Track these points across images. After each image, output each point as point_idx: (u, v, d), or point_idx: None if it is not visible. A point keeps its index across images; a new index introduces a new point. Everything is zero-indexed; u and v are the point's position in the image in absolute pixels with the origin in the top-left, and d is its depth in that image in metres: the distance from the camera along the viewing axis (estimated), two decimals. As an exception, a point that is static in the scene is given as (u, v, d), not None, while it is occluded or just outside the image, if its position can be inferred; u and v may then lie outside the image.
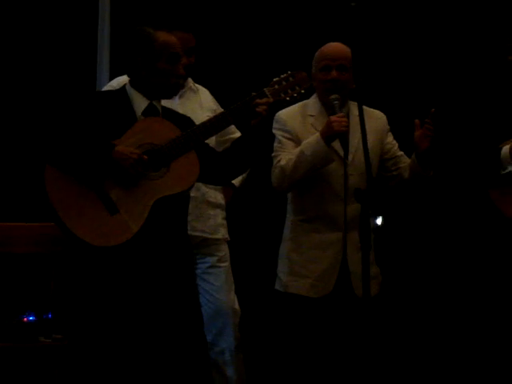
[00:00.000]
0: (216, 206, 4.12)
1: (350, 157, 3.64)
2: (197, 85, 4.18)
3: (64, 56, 4.82)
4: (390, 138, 3.81)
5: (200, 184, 3.96)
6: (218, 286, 4.08)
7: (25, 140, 4.46)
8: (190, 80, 4.15)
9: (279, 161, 3.62)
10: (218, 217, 4.13)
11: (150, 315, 3.26)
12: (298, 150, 3.58)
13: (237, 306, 4.10)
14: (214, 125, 3.36)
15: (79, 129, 3.24)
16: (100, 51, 4.79)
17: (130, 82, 3.40)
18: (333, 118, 3.52)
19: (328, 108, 3.64)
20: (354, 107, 3.69)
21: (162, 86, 3.35)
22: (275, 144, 3.71)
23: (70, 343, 3.72)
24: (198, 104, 4.08)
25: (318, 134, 3.55)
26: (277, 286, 3.73)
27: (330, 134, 3.51)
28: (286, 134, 3.67)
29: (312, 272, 3.63)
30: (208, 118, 3.95)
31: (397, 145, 3.81)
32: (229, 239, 4.17)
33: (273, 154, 3.70)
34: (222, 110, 3.77)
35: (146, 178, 3.24)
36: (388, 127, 3.82)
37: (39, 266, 3.98)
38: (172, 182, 3.25)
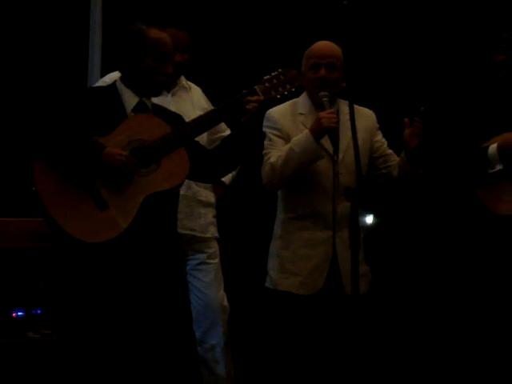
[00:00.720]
0: (207, 204, 4.13)
1: (341, 155, 3.65)
2: (189, 83, 4.19)
3: (55, 52, 4.81)
4: (380, 136, 3.82)
5: (191, 182, 3.96)
6: (207, 283, 4.08)
7: (15, 136, 4.45)
8: (182, 78, 4.15)
9: (269, 158, 3.63)
10: (209, 215, 4.13)
11: (139, 311, 3.26)
12: (287, 146, 3.59)
13: (226, 302, 4.11)
14: (205, 122, 3.37)
15: (69, 125, 3.23)
16: (91, 47, 4.78)
17: (121, 78, 3.40)
18: (322, 114, 3.53)
19: (317, 106, 3.65)
20: (343, 105, 3.70)
21: (149, 82, 3.34)
22: (265, 142, 3.71)
23: (59, 339, 3.72)
24: (190, 102, 4.09)
25: (307, 130, 3.55)
26: (267, 284, 3.74)
27: (319, 131, 3.52)
28: (277, 132, 3.68)
29: (302, 269, 3.63)
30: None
31: (386, 143, 3.82)
32: (218, 237, 4.18)
33: (263, 152, 3.70)
34: (264, 130, 3.78)
35: (136, 174, 3.24)
36: (377, 125, 3.83)
37: (28, 261, 3.96)
38: (162, 179, 3.26)
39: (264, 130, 3.73)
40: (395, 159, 3.75)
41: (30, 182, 3.20)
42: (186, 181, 3.82)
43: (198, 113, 3.96)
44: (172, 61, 3.36)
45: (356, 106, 3.56)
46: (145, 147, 3.26)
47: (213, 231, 4.14)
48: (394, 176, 3.73)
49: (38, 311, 3.82)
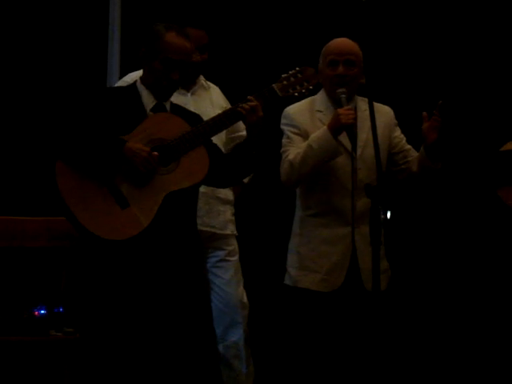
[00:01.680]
0: (226, 202, 4.14)
1: (359, 151, 3.65)
2: (208, 82, 4.20)
3: (75, 52, 4.83)
4: (398, 132, 3.81)
5: None
6: (226, 280, 4.10)
7: (36, 135, 4.48)
8: (201, 77, 4.16)
9: (287, 155, 3.63)
10: (228, 213, 4.15)
11: (160, 309, 3.27)
12: (305, 144, 3.60)
13: (245, 299, 4.13)
14: (223, 120, 3.38)
15: (90, 124, 3.26)
16: (110, 48, 4.80)
17: (141, 78, 3.42)
18: (340, 110, 3.53)
19: (335, 103, 3.65)
20: (361, 102, 3.71)
21: (154, 84, 3.36)
22: (283, 140, 3.72)
23: (81, 337, 3.74)
24: (209, 101, 4.10)
25: (325, 127, 3.56)
26: (286, 281, 3.74)
27: (337, 127, 3.53)
28: (294, 130, 3.69)
29: (322, 267, 3.63)
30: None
31: (404, 139, 3.81)
32: (237, 234, 4.19)
33: (281, 150, 3.71)
34: (282, 127, 3.78)
35: (157, 172, 3.26)
36: (395, 121, 3.83)
37: (50, 259, 3.99)
38: (182, 177, 3.27)
39: (282, 127, 3.74)
40: (414, 154, 3.74)
41: (52, 181, 3.23)
42: None
43: (217, 112, 3.96)
44: (182, 68, 3.33)
45: (374, 103, 3.57)
46: (165, 146, 3.28)
47: (232, 228, 4.16)
48: (413, 171, 3.72)
49: (61, 309, 3.84)
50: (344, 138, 3.60)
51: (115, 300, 3.25)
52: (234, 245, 4.16)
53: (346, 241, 3.63)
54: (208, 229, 4.04)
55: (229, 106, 3.99)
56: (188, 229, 3.38)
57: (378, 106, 3.72)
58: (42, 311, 3.81)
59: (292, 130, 3.69)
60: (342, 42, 3.69)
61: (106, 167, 3.24)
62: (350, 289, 3.62)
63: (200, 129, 3.32)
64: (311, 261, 3.66)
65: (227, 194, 4.15)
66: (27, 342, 3.76)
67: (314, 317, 3.62)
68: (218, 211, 4.10)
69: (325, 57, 3.69)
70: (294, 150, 3.63)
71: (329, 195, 3.65)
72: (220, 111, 3.91)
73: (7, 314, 3.75)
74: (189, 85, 4.09)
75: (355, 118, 3.54)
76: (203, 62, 4.06)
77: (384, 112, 3.79)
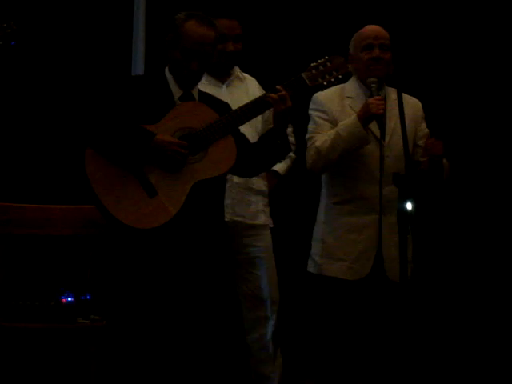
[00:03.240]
0: (258, 192, 4.12)
1: (387, 138, 3.65)
2: (244, 74, 4.18)
3: (101, 41, 4.84)
4: (424, 125, 3.83)
5: None
6: (258, 275, 4.10)
7: (65, 123, 4.49)
8: (236, 68, 4.15)
9: (314, 142, 3.63)
10: (260, 203, 4.13)
11: (186, 298, 3.28)
12: (333, 131, 3.60)
13: (276, 294, 4.11)
14: (252, 109, 3.36)
15: (119, 112, 3.26)
16: (135, 36, 4.78)
17: (169, 66, 3.42)
18: (370, 100, 3.54)
19: (367, 88, 3.66)
20: (391, 92, 3.73)
21: (177, 74, 3.36)
22: (310, 125, 3.72)
23: (108, 324, 3.76)
24: (245, 92, 4.07)
25: (354, 115, 3.57)
26: (310, 268, 3.74)
27: (367, 116, 3.54)
28: (323, 115, 3.69)
29: (348, 255, 3.63)
30: None
31: (428, 133, 3.82)
32: (272, 225, 4.16)
33: (307, 136, 3.72)
34: (310, 113, 3.77)
35: (185, 161, 3.27)
36: (423, 114, 3.84)
37: (78, 247, 4.01)
38: (210, 166, 3.28)
39: (310, 112, 3.75)
40: None
41: (81, 169, 3.24)
42: None
43: None
44: (201, 58, 3.31)
45: (403, 94, 3.58)
46: (193, 134, 3.28)
47: (264, 219, 4.13)
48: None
49: (88, 297, 3.86)
50: (373, 126, 3.61)
51: (142, 288, 3.26)
52: (266, 238, 4.13)
53: (372, 229, 3.63)
54: (239, 219, 4.04)
55: None
56: (215, 218, 3.38)
57: (406, 97, 3.73)
58: (70, 299, 3.82)
59: (320, 115, 3.69)
60: (376, 28, 3.74)
61: (134, 159, 3.24)
62: (376, 278, 3.62)
63: (228, 118, 3.32)
64: (337, 249, 3.66)
65: (260, 184, 4.13)
66: (54, 329, 3.77)
67: (342, 305, 3.61)
68: (249, 201, 4.08)
69: (359, 42, 3.71)
70: (320, 136, 3.63)
71: (356, 182, 3.65)
72: None
73: (35, 301, 3.76)
74: (223, 76, 4.08)
75: (385, 108, 3.54)
76: (236, 52, 4.04)
77: (412, 103, 3.80)
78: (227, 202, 3.98)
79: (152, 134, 3.23)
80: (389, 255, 3.57)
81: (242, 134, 3.48)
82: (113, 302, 3.46)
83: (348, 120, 3.58)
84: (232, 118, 3.32)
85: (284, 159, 3.78)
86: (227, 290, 3.77)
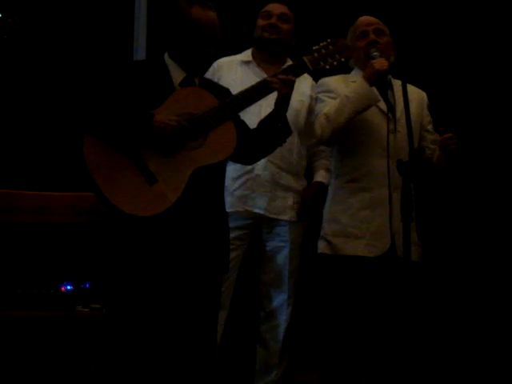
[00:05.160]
0: (287, 189, 4.10)
1: (398, 114, 3.65)
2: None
3: (102, 27, 4.82)
4: (427, 114, 3.84)
5: (270, 164, 3.97)
6: (279, 265, 4.09)
7: (64, 109, 4.47)
8: (288, 60, 4.14)
9: (322, 109, 3.63)
10: (288, 200, 4.09)
11: (187, 285, 3.25)
12: (340, 96, 3.59)
13: (291, 292, 4.10)
14: (252, 94, 3.31)
15: (118, 98, 3.23)
16: (137, 22, 4.78)
17: (168, 52, 3.38)
18: (372, 61, 3.56)
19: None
20: (395, 81, 3.74)
21: (186, 59, 3.33)
22: (318, 105, 3.71)
23: (108, 313, 3.73)
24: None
25: (360, 77, 3.58)
26: (323, 250, 3.68)
27: (372, 74, 3.53)
28: (331, 94, 3.69)
29: (365, 232, 3.59)
30: (299, 102, 3.95)
31: (432, 123, 3.83)
32: (298, 221, 4.12)
33: (315, 113, 3.71)
34: (318, 95, 3.77)
35: (184, 148, 3.22)
36: (428, 102, 3.85)
37: (77, 235, 3.99)
38: (210, 152, 3.24)
39: (317, 95, 3.75)
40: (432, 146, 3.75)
41: (79, 156, 3.20)
42: (263, 162, 3.82)
43: (299, 99, 3.99)
44: (215, 41, 3.30)
45: (408, 85, 3.54)
46: (192, 120, 3.24)
47: (291, 215, 4.09)
48: (433, 161, 3.73)
49: (87, 285, 3.85)
50: (381, 103, 3.62)
51: (142, 276, 3.22)
52: (293, 232, 4.10)
53: (385, 204, 3.56)
54: (260, 211, 4.03)
55: (314, 95, 3.91)
56: (215, 205, 3.34)
57: (411, 86, 3.72)
58: (69, 287, 3.80)
59: (328, 94, 3.70)
60: (367, 16, 3.80)
61: (133, 141, 3.21)
62: (394, 254, 3.56)
63: (228, 103, 3.28)
64: (353, 227, 3.61)
65: (289, 181, 4.09)
66: (54, 317, 3.76)
67: (360, 284, 3.56)
68: (276, 196, 4.06)
69: (354, 32, 3.76)
70: (328, 105, 3.61)
71: (365, 158, 3.63)
72: (303, 98, 3.96)
73: (34, 289, 3.74)
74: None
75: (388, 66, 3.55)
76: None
77: (418, 91, 3.82)
78: (246, 192, 3.96)
79: (152, 114, 3.20)
80: (399, 232, 3.51)
81: (242, 120, 3.44)
82: (112, 290, 3.43)
83: (354, 84, 3.59)
84: (232, 103, 3.28)
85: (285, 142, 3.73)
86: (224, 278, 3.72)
